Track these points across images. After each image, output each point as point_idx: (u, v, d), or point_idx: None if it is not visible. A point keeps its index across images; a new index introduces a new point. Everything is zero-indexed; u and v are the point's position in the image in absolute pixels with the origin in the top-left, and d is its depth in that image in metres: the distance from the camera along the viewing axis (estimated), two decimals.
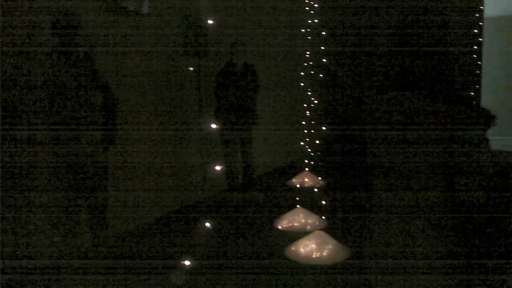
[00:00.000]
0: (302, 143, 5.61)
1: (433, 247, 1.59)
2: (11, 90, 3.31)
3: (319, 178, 5.79)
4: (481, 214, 1.55)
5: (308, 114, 5.70)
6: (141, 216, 4.51)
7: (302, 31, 5.62)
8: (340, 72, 8.13)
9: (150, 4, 4.43)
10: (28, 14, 3.42)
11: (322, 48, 6.15)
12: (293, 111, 6.81)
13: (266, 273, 3.45)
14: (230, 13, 5.72)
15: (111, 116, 3.48)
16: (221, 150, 5.07)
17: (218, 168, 2.90)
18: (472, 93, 6.64)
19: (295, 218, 4.42)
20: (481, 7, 7.51)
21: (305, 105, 5.69)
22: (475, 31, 7.23)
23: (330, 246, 3.70)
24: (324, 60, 6.11)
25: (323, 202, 4.55)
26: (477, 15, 7.36)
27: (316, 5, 5.49)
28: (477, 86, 7.26)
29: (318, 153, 5.81)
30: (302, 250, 3.71)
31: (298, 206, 4.55)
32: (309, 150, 5.63)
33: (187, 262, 2.74)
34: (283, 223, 4.42)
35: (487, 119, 1.62)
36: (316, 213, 4.45)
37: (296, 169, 6.05)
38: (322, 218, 4.40)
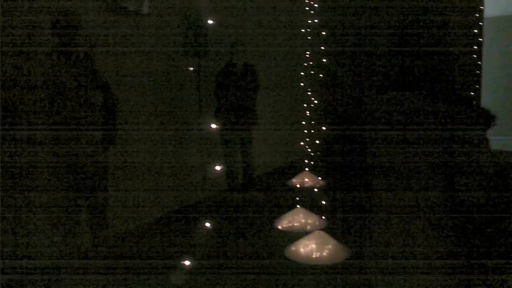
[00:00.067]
0: (302, 143, 5.61)
1: (433, 247, 1.59)
2: (11, 90, 3.31)
3: (319, 178, 5.79)
4: (481, 214, 1.55)
5: (308, 114, 5.70)
6: (141, 216, 4.51)
7: (302, 31, 5.62)
8: (340, 72, 8.13)
9: (150, 4, 4.43)
10: (28, 14, 3.42)
11: (322, 48, 6.15)
12: (293, 111, 6.81)
13: (266, 273, 3.45)
14: (230, 13, 5.72)
15: (111, 116, 3.48)
16: (221, 150, 5.07)
17: (218, 168, 2.90)
18: (472, 93, 6.64)
19: (295, 218, 4.42)
20: (481, 7, 7.52)
21: (305, 105, 5.69)
22: (475, 31, 7.23)
23: (330, 246, 3.70)
24: (324, 60, 6.11)
25: (323, 202, 4.55)
26: (477, 15, 7.36)
27: (316, 5, 5.49)
28: (477, 86, 7.26)
29: (318, 153, 5.81)
30: (302, 250, 3.71)
31: (298, 206, 4.55)
32: (309, 150, 5.63)
33: (187, 262, 2.74)
34: (283, 223, 4.42)
35: (487, 119, 1.62)
36: (316, 213, 4.45)
37: (296, 169, 6.05)
38: (322, 218, 4.40)
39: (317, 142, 5.73)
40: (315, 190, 5.09)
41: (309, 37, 5.62)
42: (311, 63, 5.82)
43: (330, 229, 4.03)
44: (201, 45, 4.75)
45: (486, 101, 7.36)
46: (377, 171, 1.71)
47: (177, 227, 4.50)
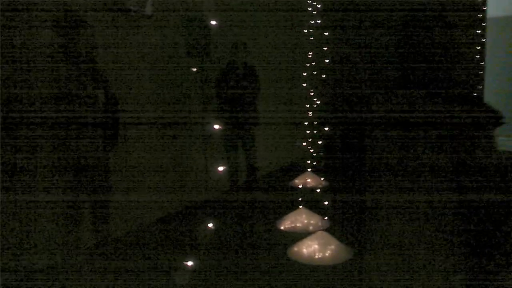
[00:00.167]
0: (304, 144, 5.61)
1: (437, 247, 1.59)
2: (11, 90, 3.31)
3: (322, 178, 5.78)
4: (488, 215, 1.54)
5: (311, 115, 5.69)
6: (143, 216, 4.51)
7: (305, 32, 5.62)
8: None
9: (153, 5, 4.43)
10: (29, 14, 3.42)
11: (325, 48, 6.14)
12: (295, 111, 6.81)
13: (269, 273, 3.45)
14: (232, 13, 5.72)
15: (113, 116, 3.49)
16: (223, 150, 5.07)
17: (220, 168, 2.90)
18: (475, 94, 6.63)
19: (298, 219, 4.41)
20: (483, 8, 7.50)
21: (307, 105, 5.68)
22: (478, 31, 7.22)
23: (332, 247, 3.69)
24: (327, 61, 6.11)
25: (326, 203, 4.54)
26: (480, 15, 7.34)
27: (319, 6, 5.49)
28: (480, 87, 7.24)
29: (321, 153, 5.81)
30: (304, 250, 3.70)
31: (300, 206, 4.54)
32: (312, 150, 5.62)
33: (189, 263, 2.74)
34: (286, 224, 4.41)
35: (495, 118, 1.61)
36: (318, 214, 4.45)
37: (299, 170, 6.05)
38: (325, 219, 4.39)
39: (320, 142, 5.72)
40: (318, 190, 5.09)
41: (312, 38, 5.62)
42: (314, 63, 5.81)
43: (332, 230, 4.03)
44: (203, 45, 4.75)
45: (489, 101, 7.35)
46: (381, 171, 1.71)
47: (179, 227, 4.50)
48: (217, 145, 5.07)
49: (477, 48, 7.12)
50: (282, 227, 4.48)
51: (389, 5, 7.67)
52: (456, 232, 1.59)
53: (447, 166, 1.58)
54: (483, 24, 7.41)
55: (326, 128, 6.07)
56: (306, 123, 5.66)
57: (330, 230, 4.11)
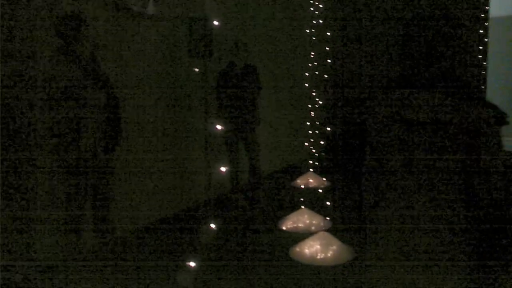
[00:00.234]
0: (306, 144, 5.61)
1: (441, 248, 1.58)
2: (12, 90, 3.31)
3: (324, 179, 5.78)
4: (495, 215, 1.53)
5: (313, 115, 5.69)
6: (144, 217, 4.51)
7: (307, 32, 5.62)
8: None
9: (155, 5, 4.43)
10: (31, 14, 3.42)
11: (327, 48, 6.14)
12: (298, 111, 6.81)
13: (271, 274, 3.45)
14: (234, 13, 5.72)
15: (114, 117, 3.48)
16: (225, 150, 5.07)
17: (222, 169, 2.90)
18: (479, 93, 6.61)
19: (300, 219, 4.42)
20: (486, 7, 7.48)
21: (309, 105, 5.68)
22: (481, 31, 7.20)
23: (334, 247, 3.69)
24: (329, 61, 6.10)
25: (328, 203, 4.54)
26: (483, 15, 7.33)
27: (321, 6, 5.49)
28: (483, 87, 7.23)
29: (323, 153, 5.80)
30: (306, 251, 3.70)
31: (302, 207, 4.54)
32: (314, 150, 5.62)
33: (191, 263, 2.74)
34: (288, 224, 4.41)
35: (500, 117, 1.60)
36: (320, 214, 4.45)
37: (301, 170, 6.05)
38: (327, 219, 4.39)
39: (322, 142, 5.72)
40: (320, 190, 5.09)
41: (314, 38, 5.62)
42: (316, 63, 5.81)
43: (334, 230, 4.03)
44: (206, 46, 4.75)
45: (492, 100, 7.32)
46: (384, 171, 1.70)
47: (181, 228, 4.50)
48: (218, 146, 5.07)
49: (480, 47, 7.11)
50: (284, 228, 4.48)
51: (391, 5, 7.67)
52: (460, 233, 1.58)
53: (452, 166, 1.57)
54: (485, 23, 7.40)
55: (328, 128, 6.07)
56: (308, 123, 5.66)
57: (332, 230, 4.11)
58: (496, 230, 1.55)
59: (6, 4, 3.26)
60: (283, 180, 6.17)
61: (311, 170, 5.79)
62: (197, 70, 4.75)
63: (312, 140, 5.62)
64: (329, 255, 3.64)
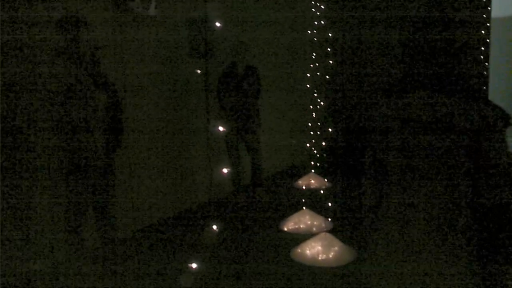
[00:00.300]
0: (308, 145, 5.61)
1: (443, 249, 1.58)
2: (13, 90, 3.32)
3: (325, 179, 5.77)
4: (500, 216, 1.53)
5: (314, 116, 5.69)
6: (145, 218, 4.52)
7: (309, 32, 5.62)
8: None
9: (157, 5, 4.43)
10: (32, 14, 3.43)
11: (329, 49, 6.14)
12: (299, 112, 6.80)
13: (272, 275, 3.45)
14: (235, 14, 5.72)
15: (116, 117, 3.48)
16: (227, 152, 5.08)
17: (224, 170, 2.90)
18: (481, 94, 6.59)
19: (301, 220, 4.41)
20: (488, 8, 7.47)
21: (310, 106, 5.68)
22: (483, 31, 7.19)
23: (336, 248, 3.69)
24: (331, 62, 6.10)
25: (329, 204, 4.53)
26: (484, 15, 7.32)
27: (322, 6, 5.49)
28: (485, 88, 7.22)
29: (324, 154, 5.80)
30: (308, 252, 3.70)
31: (304, 208, 4.54)
32: (315, 151, 5.62)
33: (193, 265, 2.74)
34: (289, 225, 4.41)
35: (505, 118, 1.59)
36: (322, 215, 4.44)
37: (302, 171, 6.04)
38: (328, 220, 4.38)
39: (323, 143, 5.72)
40: (321, 191, 5.08)
41: (315, 38, 5.62)
42: (317, 64, 5.81)
43: (336, 231, 4.02)
44: (207, 47, 4.76)
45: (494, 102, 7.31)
46: (387, 172, 1.70)
47: (182, 229, 4.50)
48: (220, 147, 5.07)
49: (482, 48, 7.10)
50: (285, 229, 4.48)
51: (392, 5, 7.66)
52: (464, 234, 1.58)
53: (457, 167, 1.57)
54: (487, 24, 7.39)
55: (330, 129, 6.06)
56: (309, 124, 5.66)
57: (333, 231, 4.11)
58: (500, 231, 1.55)
59: (6, 4, 3.27)
60: (285, 181, 6.17)
61: (312, 171, 5.78)
62: (199, 71, 4.76)
63: (313, 141, 5.62)
64: (330, 256, 3.64)
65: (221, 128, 2.79)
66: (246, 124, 5.00)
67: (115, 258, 3.52)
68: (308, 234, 4.08)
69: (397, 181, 1.66)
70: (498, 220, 1.53)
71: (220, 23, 2.72)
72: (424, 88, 1.66)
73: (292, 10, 6.85)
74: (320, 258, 3.63)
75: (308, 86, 5.74)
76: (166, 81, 4.72)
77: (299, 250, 3.75)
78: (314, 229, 4.28)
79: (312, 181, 5.77)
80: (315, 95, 5.68)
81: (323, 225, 4.33)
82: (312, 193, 5.32)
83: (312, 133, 5.68)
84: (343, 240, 3.80)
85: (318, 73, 5.73)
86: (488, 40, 7.39)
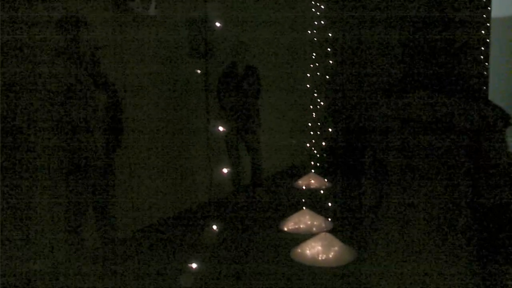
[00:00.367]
0: (308, 145, 5.61)
1: (443, 248, 1.58)
2: (13, 90, 3.31)
3: (325, 179, 5.77)
4: (501, 216, 1.53)
5: (314, 116, 5.69)
6: (145, 219, 4.51)
7: (309, 32, 5.62)
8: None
9: (157, 5, 4.43)
10: (32, 14, 3.43)
11: (329, 49, 6.13)
12: (299, 112, 6.80)
13: (272, 275, 3.45)
14: (235, 14, 5.72)
15: (116, 118, 3.48)
16: (227, 152, 5.08)
17: (224, 170, 2.90)
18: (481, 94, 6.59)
19: (301, 220, 4.41)
20: (488, 8, 7.47)
21: (310, 106, 5.68)
22: (483, 31, 7.19)
23: (336, 248, 3.69)
24: (331, 62, 6.10)
25: (329, 204, 4.53)
26: (485, 15, 7.32)
27: (322, 6, 5.49)
28: (485, 88, 7.22)
29: (324, 154, 5.80)
30: (308, 252, 3.70)
31: (304, 208, 4.54)
32: (315, 151, 5.62)
33: (193, 265, 2.74)
34: (289, 225, 4.41)
35: (506, 118, 1.59)
36: (322, 215, 4.44)
37: (302, 171, 6.04)
38: (328, 220, 4.38)
39: (323, 143, 5.72)
40: (321, 191, 5.08)
41: (315, 38, 5.62)
42: (317, 64, 5.81)
43: (336, 231, 4.02)
44: (207, 47, 4.75)
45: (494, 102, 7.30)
46: (388, 172, 1.70)
47: (182, 229, 4.50)
48: (220, 147, 5.07)
49: (482, 48, 7.10)
50: (285, 229, 4.48)
51: (392, 5, 7.66)
52: (464, 234, 1.58)
53: (457, 167, 1.57)
54: (487, 24, 7.39)
55: (330, 129, 6.06)
56: (309, 124, 5.66)
57: (333, 231, 4.11)
58: (500, 231, 1.55)
59: (6, 4, 3.26)
60: (285, 181, 6.17)
61: (312, 171, 5.78)
62: (199, 71, 4.76)
63: (313, 141, 5.62)
64: (330, 256, 3.64)
65: (221, 128, 2.79)
66: (246, 124, 5.00)
67: (115, 258, 3.51)
68: (308, 234, 4.08)
69: (397, 181, 1.66)
70: (498, 220, 1.53)
71: (220, 23, 2.72)
72: (424, 88, 1.66)
73: (292, 10, 6.84)
74: (320, 258, 3.63)
75: (308, 86, 5.74)
76: (166, 81, 4.72)
77: (299, 250, 3.75)
78: (314, 229, 4.28)
79: (312, 181, 5.77)
80: (315, 95, 5.67)
81: (323, 225, 4.33)
82: (312, 193, 5.32)
83: (312, 133, 5.68)
84: (343, 240, 3.80)
85: (318, 73, 5.73)
86: (488, 40, 7.39)
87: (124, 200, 4.12)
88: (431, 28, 1.69)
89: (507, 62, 8.41)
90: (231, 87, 4.91)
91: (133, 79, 4.29)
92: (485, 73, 7.26)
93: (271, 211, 4.94)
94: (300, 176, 5.94)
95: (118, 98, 3.55)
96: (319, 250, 3.68)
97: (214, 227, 2.75)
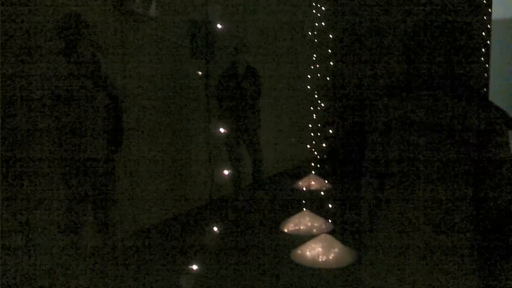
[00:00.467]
0: (308, 146, 5.61)
1: (444, 249, 1.58)
2: (13, 91, 3.32)
3: (325, 181, 5.77)
4: (501, 216, 1.53)
5: (315, 117, 5.69)
6: (145, 219, 4.51)
7: (309, 34, 5.62)
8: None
9: (158, 6, 4.44)
10: (33, 15, 3.43)
11: (329, 51, 6.14)
12: (299, 113, 6.81)
13: (272, 276, 3.44)
14: (236, 16, 5.72)
15: (116, 118, 3.48)
16: (227, 152, 5.08)
17: (225, 171, 2.90)
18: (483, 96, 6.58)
19: (301, 221, 4.41)
20: (489, 9, 7.48)
21: (311, 107, 5.68)
22: (483, 33, 7.20)
23: (336, 250, 3.68)
24: (331, 63, 6.10)
25: (330, 205, 4.53)
26: (485, 17, 7.32)
27: (323, 8, 5.49)
28: (485, 89, 7.22)
29: (325, 156, 5.80)
30: (308, 253, 3.69)
31: (304, 209, 4.54)
32: (316, 153, 5.62)
33: (193, 266, 2.74)
34: (289, 226, 4.41)
35: (506, 119, 1.59)
36: (322, 216, 4.44)
37: (302, 172, 6.04)
38: (329, 222, 4.38)
39: (324, 145, 5.72)
40: (322, 193, 5.08)
41: (316, 39, 5.62)
42: (318, 66, 5.81)
43: (336, 232, 4.02)
44: (208, 47, 4.76)
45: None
46: (388, 173, 1.70)
47: (182, 230, 4.50)
48: (220, 147, 5.07)
49: (482, 50, 7.10)
50: (285, 230, 4.47)
51: (396, 9, 7.67)
52: (464, 234, 1.57)
53: (457, 167, 1.57)
54: (488, 26, 7.39)
55: (331, 131, 6.06)
56: (310, 125, 5.66)
57: (333, 232, 4.10)
58: (500, 231, 1.54)
59: (6, 4, 3.27)
60: (285, 182, 6.17)
61: (313, 172, 5.78)
62: (200, 73, 4.76)
63: (314, 142, 5.62)
64: (330, 257, 3.63)
65: (221, 129, 2.79)
66: (246, 125, 5.00)
67: (115, 258, 3.51)
68: (308, 236, 4.07)
69: (397, 181, 1.66)
70: (498, 220, 1.53)
71: (221, 24, 2.72)
72: (425, 89, 1.66)
73: (292, 11, 6.85)
74: (320, 259, 3.63)
75: (308, 87, 5.74)
76: (166, 82, 4.73)
77: (299, 252, 3.74)
78: (314, 230, 4.27)
79: (313, 183, 5.77)
80: (316, 96, 5.68)
81: (324, 226, 4.32)
82: (312, 194, 5.31)
83: (312, 134, 5.68)
84: (343, 241, 3.79)
85: (318, 74, 5.73)
86: (488, 42, 7.39)
87: (124, 200, 4.12)
88: (432, 29, 1.69)
89: (508, 64, 8.41)
90: (231, 88, 4.91)
91: (133, 80, 4.29)
92: (486, 74, 7.26)
93: (271, 212, 4.94)
94: (300, 177, 5.94)
95: (119, 99, 3.54)
96: (319, 251, 3.67)
97: (215, 228, 2.75)
